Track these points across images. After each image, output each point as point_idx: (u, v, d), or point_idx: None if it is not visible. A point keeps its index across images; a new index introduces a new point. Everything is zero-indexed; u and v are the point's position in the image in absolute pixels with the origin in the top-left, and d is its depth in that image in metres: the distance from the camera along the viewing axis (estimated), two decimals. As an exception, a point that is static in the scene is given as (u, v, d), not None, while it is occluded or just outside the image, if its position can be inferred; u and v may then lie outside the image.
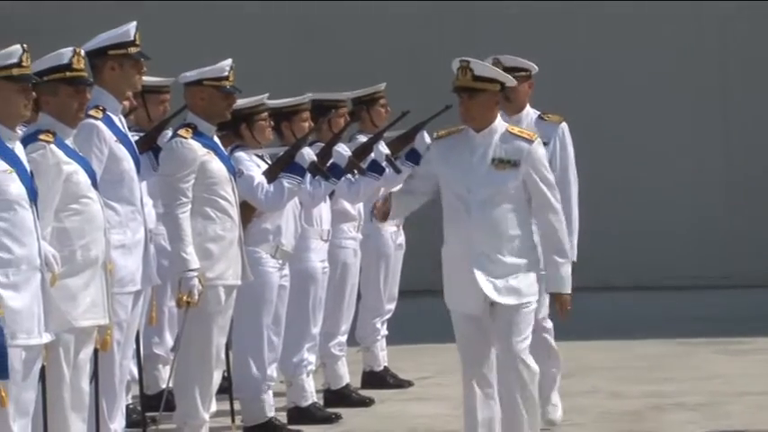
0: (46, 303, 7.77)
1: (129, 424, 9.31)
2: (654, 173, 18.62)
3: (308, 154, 10.80)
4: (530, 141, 8.99)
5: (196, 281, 9.60)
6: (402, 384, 12.59)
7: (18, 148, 7.82)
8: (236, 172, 10.04)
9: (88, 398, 8.31)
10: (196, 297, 9.60)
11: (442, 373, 12.71)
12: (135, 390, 10.27)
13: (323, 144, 11.26)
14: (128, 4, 15.66)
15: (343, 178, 11.28)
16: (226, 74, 10.00)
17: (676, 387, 12.32)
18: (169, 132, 9.96)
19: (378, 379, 12.54)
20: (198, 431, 9.92)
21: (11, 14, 16.61)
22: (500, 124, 9.04)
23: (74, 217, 8.25)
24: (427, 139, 12.42)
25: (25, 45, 7.78)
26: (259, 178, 10.46)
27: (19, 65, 7.73)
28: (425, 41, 18.51)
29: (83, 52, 8.27)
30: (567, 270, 9.10)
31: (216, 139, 9.95)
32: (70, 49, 8.21)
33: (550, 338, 10.83)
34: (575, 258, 9.80)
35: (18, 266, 7.64)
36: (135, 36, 8.94)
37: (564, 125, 10.45)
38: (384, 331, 12.60)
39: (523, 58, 10.57)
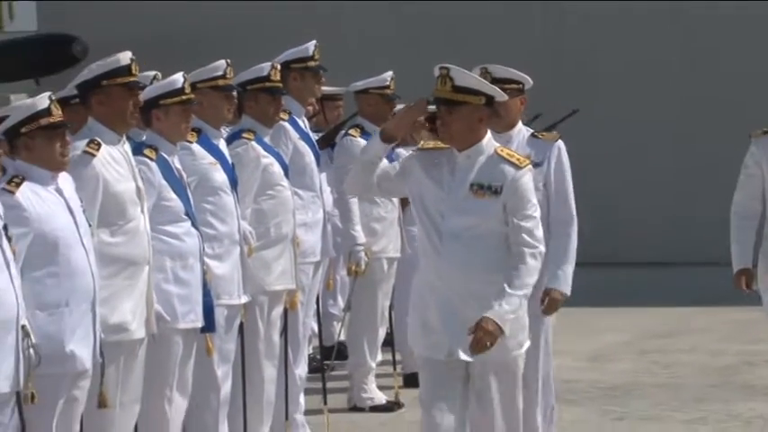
0: (244, 271, 7.96)
1: (310, 370, 9.47)
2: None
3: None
4: (517, 167, 6.40)
5: (363, 254, 9.80)
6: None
7: (222, 145, 8.01)
8: (398, 164, 10.24)
9: (278, 348, 8.48)
10: (363, 267, 9.82)
11: (572, 331, 12.76)
12: (315, 342, 10.52)
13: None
14: (309, 23, 15.72)
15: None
16: (387, 83, 10.23)
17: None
18: (344, 132, 10.22)
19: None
20: (366, 376, 10.14)
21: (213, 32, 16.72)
22: (488, 145, 6.48)
23: (269, 201, 8.38)
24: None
25: (229, 60, 8.01)
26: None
27: (224, 77, 7.95)
28: (563, 42, 18.06)
29: (278, 66, 8.44)
30: (509, 302, 6.29)
31: (379, 137, 10.14)
32: (269, 63, 8.37)
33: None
34: (568, 292, 7.45)
35: (221, 241, 7.84)
36: (314, 52, 9.05)
37: (560, 143, 7.56)
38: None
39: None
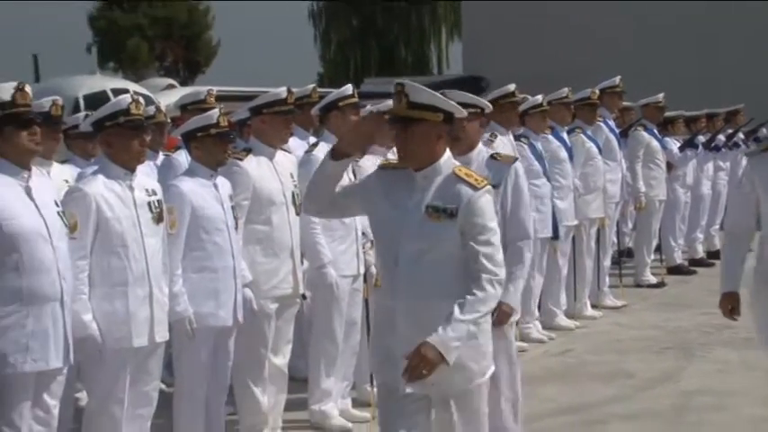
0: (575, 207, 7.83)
1: (613, 262, 9.24)
2: None
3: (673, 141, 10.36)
4: (474, 188, 3.47)
5: (642, 197, 9.33)
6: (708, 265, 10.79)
7: (565, 136, 7.87)
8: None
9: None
10: (642, 204, 9.40)
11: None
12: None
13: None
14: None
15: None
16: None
17: None
18: (633, 128, 9.86)
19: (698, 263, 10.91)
20: (645, 267, 9.72)
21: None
22: (446, 164, 3.52)
23: (591, 168, 8.13)
24: (765, 130, 11.85)
25: (570, 88, 7.93)
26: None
27: (567, 97, 7.84)
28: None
29: (598, 91, 8.17)
30: (456, 329, 3.32)
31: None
32: (591, 89, 8.19)
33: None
34: (517, 306, 4.65)
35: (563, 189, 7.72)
36: (619, 83, 8.77)
37: (517, 165, 4.80)
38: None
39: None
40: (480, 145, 4.75)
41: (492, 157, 4.69)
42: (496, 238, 3.46)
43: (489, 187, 3.48)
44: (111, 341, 4.08)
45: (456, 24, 30.23)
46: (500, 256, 3.46)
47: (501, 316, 4.39)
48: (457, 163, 3.53)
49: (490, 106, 4.81)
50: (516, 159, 4.79)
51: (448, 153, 3.52)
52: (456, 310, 3.34)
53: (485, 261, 3.41)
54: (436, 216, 3.45)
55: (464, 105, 4.21)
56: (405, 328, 3.42)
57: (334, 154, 3.51)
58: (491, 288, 3.41)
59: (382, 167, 3.62)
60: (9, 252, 3.62)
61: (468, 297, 3.37)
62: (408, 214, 3.47)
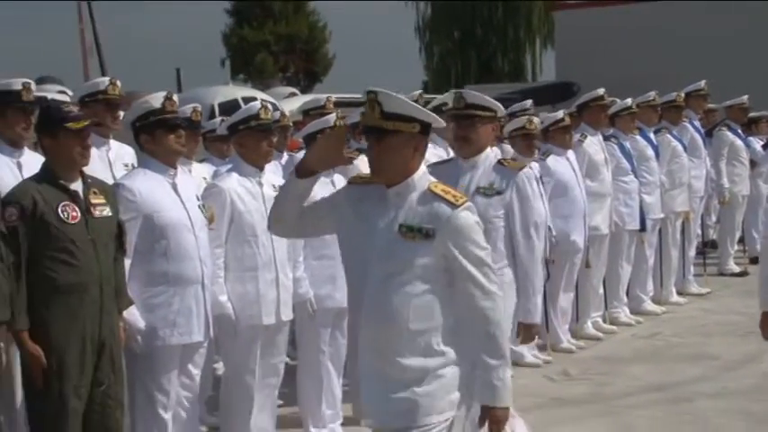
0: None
1: (698, 252, 8.88)
2: None
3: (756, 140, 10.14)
4: (453, 205, 2.75)
5: (726, 192, 9.12)
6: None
7: (651, 135, 7.68)
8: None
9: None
10: (726, 199, 9.15)
11: None
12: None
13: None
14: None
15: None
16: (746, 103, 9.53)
17: None
18: (717, 129, 9.62)
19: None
20: (729, 258, 9.42)
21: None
22: (421, 179, 2.81)
23: (675, 165, 7.88)
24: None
25: (657, 91, 7.75)
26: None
27: (654, 100, 7.69)
28: None
29: (683, 95, 7.95)
30: (501, 375, 2.76)
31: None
32: (676, 93, 8.01)
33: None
34: (538, 321, 4.20)
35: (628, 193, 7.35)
36: (705, 86, 8.54)
37: (524, 173, 4.12)
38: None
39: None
40: (488, 149, 4.14)
41: (499, 162, 4.13)
42: (485, 254, 2.81)
43: (469, 204, 2.82)
44: (244, 318, 4.15)
45: (549, 35, 29.95)
46: (493, 275, 2.83)
47: (525, 336, 4.08)
48: (433, 179, 2.86)
49: (503, 110, 4.26)
50: (524, 167, 4.17)
51: (423, 168, 2.87)
52: (486, 358, 2.78)
53: (482, 281, 2.78)
54: (411, 236, 2.78)
55: (477, 108, 4.07)
56: (366, 349, 2.82)
57: (301, 171, 2.89)
58: (493, 313, 2.78)
59: (352, 182, 2.97)
60: (158, 240, 3.74)
61: (486, 340, 2.78)
62: (379, 233, 2.80)
